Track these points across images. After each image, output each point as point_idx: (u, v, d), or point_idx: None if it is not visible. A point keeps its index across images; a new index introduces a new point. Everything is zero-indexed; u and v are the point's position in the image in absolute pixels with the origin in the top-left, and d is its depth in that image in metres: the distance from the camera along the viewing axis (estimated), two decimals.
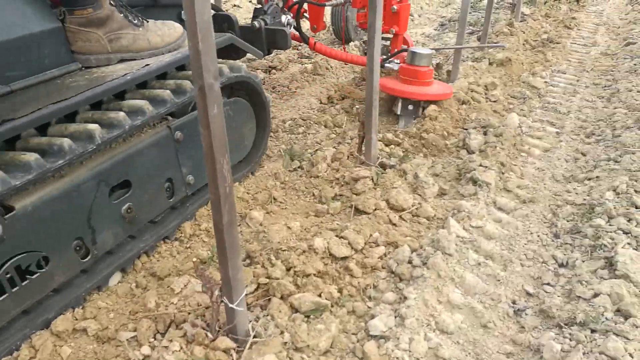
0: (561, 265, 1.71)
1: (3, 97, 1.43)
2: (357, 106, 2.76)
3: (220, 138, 1.14)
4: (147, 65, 1.70)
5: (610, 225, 1.81)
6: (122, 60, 1.79)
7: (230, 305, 1.27)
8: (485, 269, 1.66)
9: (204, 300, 1.45)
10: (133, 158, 1.57)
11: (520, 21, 4.65)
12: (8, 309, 1.28)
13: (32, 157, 1.26)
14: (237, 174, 2.16)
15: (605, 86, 3.34)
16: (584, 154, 2.48)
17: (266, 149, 2.36)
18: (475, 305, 1.50)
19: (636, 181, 2.05)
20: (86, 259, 1.47)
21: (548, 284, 1.62)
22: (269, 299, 1.47)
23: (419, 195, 2.05)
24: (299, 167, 2.34)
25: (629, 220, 1.81)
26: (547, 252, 1.77)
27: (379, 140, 2.49)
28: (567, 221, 1.92)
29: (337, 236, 1.75)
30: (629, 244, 1.69)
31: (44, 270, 1.34)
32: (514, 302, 1.55)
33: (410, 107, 2.70)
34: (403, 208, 1.95)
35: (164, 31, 1.88)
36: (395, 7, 2.87)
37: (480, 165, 2.21)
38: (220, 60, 1.95)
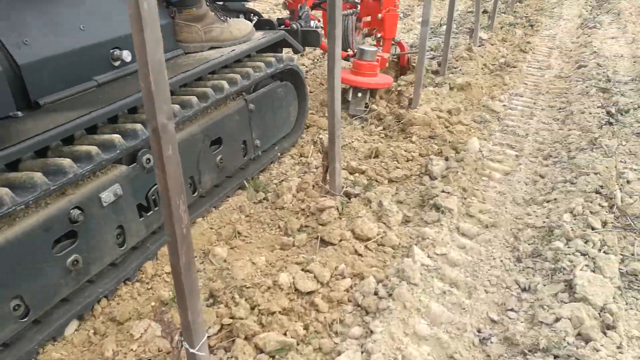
0: (524, 290, 1.73)
1: (134, 74, 1.91)
2: (320, 135, 2.78)
3: (176, 178, 1.13)
4: (233, 50, 2.32)
5: (568, 247, 1.85)
6: (211, 48, 2.35)
7: (191, 350, 1.23)
8: (450, 297, 1.67)
9: (165, 345, 1.40)
10: (223, 121, 2.13)
11: (479, 46, 4.80)
12: None
13: (175, 107, 1.79)
14: (286, 143, 2.77)
15: (560, 108, 3.46)
16: (542, 176, 2.55)
17: (304, 126, 2.97)
18: (442, 336, 1.50)
19: (591, 202, 2.11)
20: (194, 194, 2.02)
21: (512, 309, 1.64)
22: (233, 340, 1.44)
23: (383, 223, 2.06)
24: (264, 199, 2.32)
25: (585, 242, 1.86)
26: (510, 277, 1.79)
27: (344, 169, 2.51)
28: (529, 244, 1.96)
29: (302, 270, 1.74)
30: (586, 265, 1.73)
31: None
32: (479, 331, 1.56)
33: (359, 94, 3.27)
34: (368, 237, 1.95)
35: (240, 26, 2.45)
36: (380, 15, 3.56)
37: (443, 191, 2.25)
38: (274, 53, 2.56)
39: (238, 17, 2.63)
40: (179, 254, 1.16)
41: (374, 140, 2.95)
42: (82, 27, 1.76)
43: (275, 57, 2.48)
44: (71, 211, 1.44)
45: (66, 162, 1.41)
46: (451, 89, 3.66)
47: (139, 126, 1.67)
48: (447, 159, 2.60)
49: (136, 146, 1.66)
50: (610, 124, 3.04)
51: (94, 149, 1.49)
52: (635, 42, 5.06)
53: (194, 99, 1.91)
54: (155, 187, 1.74)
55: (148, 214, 1.77)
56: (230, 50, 2.31)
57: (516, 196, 2.36)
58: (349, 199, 2.19)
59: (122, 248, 1.68)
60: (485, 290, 1.73)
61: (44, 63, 1.61)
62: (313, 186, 2.34)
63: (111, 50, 1.86)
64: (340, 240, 1.92)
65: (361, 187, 2.33)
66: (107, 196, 1.56)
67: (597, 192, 2.21)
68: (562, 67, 4.46)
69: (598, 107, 3.28)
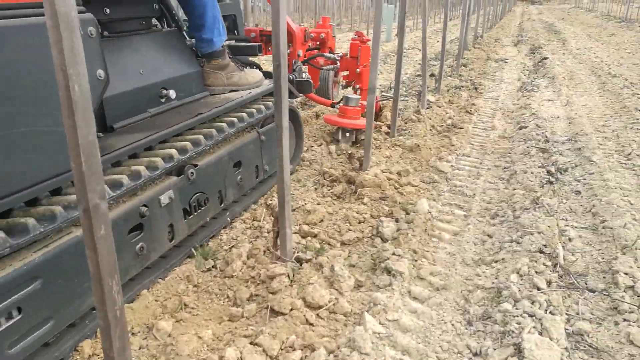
0: (475, 355, 1.72)
1: (176, 108, 2.52)
2: (270, 200, 2.78)
3: (109, 259, 1.08)
4: (249, 93, 2.89)
5: (516, 308, 1.87)
6: (232, 91, 2.89)
7: None
8: None
9: None
10: (242, 148, 2.68)
11: (427, 108, 5.02)
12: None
13: (213, 132, 2.41)
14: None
15: (504, 168, 3.62)
16: (490, 236, 2.61)
17: (301, 152, 3.64)
18: None
19: (536, 262, 2.17)
20: (221, 205, 2.55)
21: None
22: None
23: (335, 289, 2.03)
24: (213, 267, 2.26)
25: (532, 303, 1.89)
26: (462, 342, 1.78)
27: (295, 233, 2.50)
28: (479, 306, 1.97)
29: (251, 343, 1.68)
30: (534, 327, 1.75)
31: (204, 207, 2.36)
32: None
33: (347, 134, 4.02)
34: (320, 305, 1.92)
35: (254, 74, 3.02)
36: (358, 69, 4.31)
37: (394, 254, 2.26)
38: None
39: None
40: (111, 338, 1.09)
41: (326, 202, 2.97)
42: (141, 72, 2.34)
43: None
44: (140, 207, 1.90)
45: (141, 168, 1.90)
46: (401, 150, 3.78)
47: (188, 144, 2.22)
48: (397, 221, 2.63)
49: (184, 161, 2.19)
50: (551, 182, 3.19)
51: (158, 160, 2.01)
52: (569, 104, 5.44)
53: (225, 125, 2.51)
54: (196, 195, 2.29)
55: (190, 217, 2.26)
56: (247, 93, 2.90)
57: (465, 257, 2.40)
58: (301, 264, 2.17)
59: (171, 242, 2.14)
60: (437, 357, 1.71)
61: (117, 97, 2.14)
62: (264, 252, 2.30)
63: (160, 89, 2.43)
64: (291, 309, 1.88)
65: (313, 251, 2.31)
66: (164, 199, 2.04)
67: (541, 252, 2.27)
68: (505, 128, 4.71)
69: (539, 166, 3.45)
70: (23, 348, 1.42)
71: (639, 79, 6.78)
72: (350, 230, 2.59)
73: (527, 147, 3.89)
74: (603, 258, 2.34)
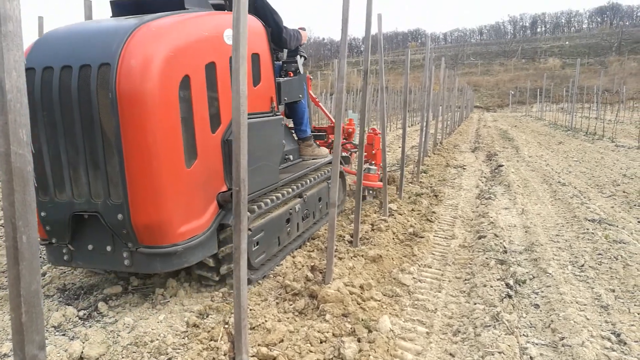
0: None
1: (291, 166, 4.50)
2: (226, 324, 2.69)
3: None
4: (325, 158, 4.97)
5: None
6: (313, 159, 4.87)
7: None
8: None
9: None
10: (321, 191, 4.81)
11: (389, 216, 5.15)
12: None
13: (312, 177, 4.61)
14: (338, 210, 5.23)
15: (465, 280, 3.66)
16: (452, 355, 2.57)
17: (345, 200, 5.95)
18: None
19: None
20: (314, 218, 4.69)
21: None
22: None
23: None
24: None
25: None
26: None
27: (254, 356, 2.40)
28: None
29: None
30: None
31: (308, 217, 4.47)
32: None
33: (371, 191, 6.24)
34: None
35: (324, 150, 5.11)
36: (373, 152, 6.27)
37: None
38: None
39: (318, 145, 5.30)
40: None
41: (288, 318, 2.89)
42: (284, 142, 4.17)
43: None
44: (289, 210, 3.89)
45: (286, 191, 3.89)
46: (364, 260, 3.80)
47: (303, 183, 4.22)
48: (359, 340, 2.57)
49: (301, 191, 4.19)
50: (510, 296, 3.23)
51: (292, 188, 4.00)
52: (525, 213, 5.68)
53: (316, 176, 4.61)
54: (305, 210, 4.33)
55: (304, 221, 4.30)
56: (323, 160, 4.96)
57: None
58: None
59: (297, 232, 4.14)
60: None
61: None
62: None
63: (285, 155, 4.37)
64: None
65: None
66: (296, 208, 4.05)
67: None
68: (465, 237, 4.84)
69: (498, 279, 3.51)
70: (259, 260, 3.44)
71: (586, 187, 7.22)
72: (311, 352, 2.51)
73: (487, 257, 3.97)
74: None
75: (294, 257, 3.93)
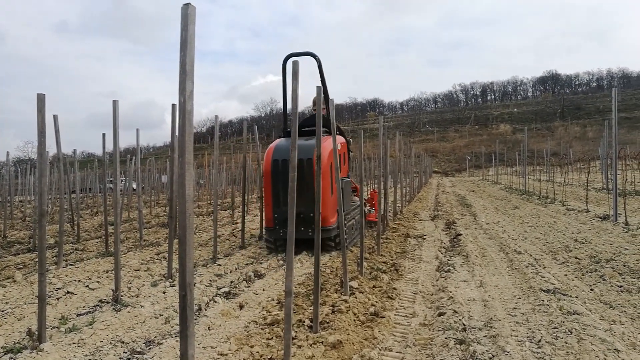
0: None
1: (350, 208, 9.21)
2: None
3: None
4: (357, 203, 9.38)
5: None
6: (352, 203, 9.18)
7: None
8: None
9: None
10: (354, 216, 9.20)
11: (350, 294, 5.11)
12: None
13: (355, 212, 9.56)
14: (357, 238, 9.06)
15: None
16: None
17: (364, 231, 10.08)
18: None
19: None
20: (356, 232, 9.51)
21: None
22: None
23: None
24: None
25: None
26: None
27: None
28: None
29: None
30: None
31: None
32: None
33: (373, 224, 10.63)
34: None
35: (356, 198, 9.45)
36: (373, 202, 10.88)
37: None
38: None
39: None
40: None
41: None
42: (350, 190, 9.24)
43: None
44: (355, 216, 9.16)
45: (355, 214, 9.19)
46: (324, 346, 3.72)
47: (353, 214, 9.03)
48: None
49: (354, 210, 9.24)
50: None
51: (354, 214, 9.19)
52: (483, 285, 5.76)
53: (357, 211, 9.17)
54: (352, 222, 8.86)
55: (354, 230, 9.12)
56: (357, 204, 9.14)
57: None
58: None
59: (356, 231, 9.14)
60: None
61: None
62: None
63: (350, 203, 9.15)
64: None
65: None
66: (355, 219, 9.05)
67: None
68: (426, 314, 4.83)
69: None
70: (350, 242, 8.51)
71: (540, 254, 7.43)
72: None
73: (446, 337, 3.96)
74: None
75: (251, 347, 3.81)
